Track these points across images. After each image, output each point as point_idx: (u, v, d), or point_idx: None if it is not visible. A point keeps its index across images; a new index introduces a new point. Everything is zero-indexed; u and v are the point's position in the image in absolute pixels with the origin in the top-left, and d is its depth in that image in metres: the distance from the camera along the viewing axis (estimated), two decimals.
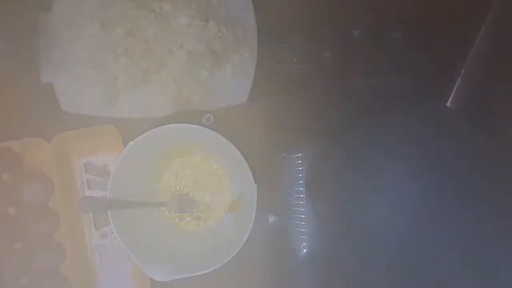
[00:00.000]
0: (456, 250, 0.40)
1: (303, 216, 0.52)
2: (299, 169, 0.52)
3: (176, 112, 0.53)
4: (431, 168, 0.40)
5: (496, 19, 0.45)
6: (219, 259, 0.46)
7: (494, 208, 0.40)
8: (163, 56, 0.52)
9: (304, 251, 0.52)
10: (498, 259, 0.39)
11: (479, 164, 0.40)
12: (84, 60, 0.53)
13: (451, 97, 0.44)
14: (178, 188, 0.54)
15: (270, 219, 0.52)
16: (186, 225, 0.54)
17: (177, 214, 0.54)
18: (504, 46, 0.48)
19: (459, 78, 0.45)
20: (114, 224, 0.47)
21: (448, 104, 0.44)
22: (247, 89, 0.54)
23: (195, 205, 0.54)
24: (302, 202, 0.52)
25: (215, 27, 0.52)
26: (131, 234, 0.48)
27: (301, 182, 0.52)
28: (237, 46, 0.53)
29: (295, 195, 0.52)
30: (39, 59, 0.54)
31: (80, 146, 0.55)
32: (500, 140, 0.47)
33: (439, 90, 0.45)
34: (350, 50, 0.53)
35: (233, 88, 0.54)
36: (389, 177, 0.41)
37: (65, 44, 0.54)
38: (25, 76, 0.55)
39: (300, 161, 0.52)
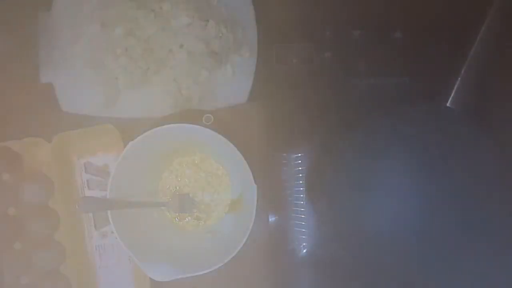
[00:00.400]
0: (456, 249, 0.40)
1: (303, 216, 0.52)
2: (299, 169, 0.52)
3: (176, 112, 0.53)
4: (431, 168, 0.40)
5: (496, 19, 0.45)
6: (219, 259, 0.46)
7: (494, 207, 0.40)
8: (163, 56, 0.52)
9: (304, 251, 0.52)
10: (498, 257, 0.39)
11: (479, 164, 0.40)
12: (84, 60, 0.53)
13: (451, 97, 0.44)
14: (178, 188, 0.54)
15: (270, 219, 0.52)
16: (186, 225, 0.54)
17: (177, 214, 0.54)
18: (504, 46, 0.48)
19: (459, 78, 0.45)
20: (114, 224, 0.47)
21: (448, 104, 0.44)
22: (247, 89, 0.54)
23: (195, 205, 0.54)
24: (302, 202, 0.52)
25: (215, 27, 0.52)
26: (131, 234, 0.48)
27: (301, 182, 0.52)
28: (237, 46, 0.53)
29: (295, 195, 0.52)
30: (39, 59, 0.54)
31: (80, 146, 0.55)
32: (500, 140, 0.47)
33: (439, 90, 0.45)
34: (350, 50, 0.53)
35: (233, 88, 0.54)
36: (389, 177, 0.41)
37: (65, 44, 0.54)
38: (25, 76, 0.55)
39: (300, 161, 0.52)
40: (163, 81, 0.53)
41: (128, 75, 0.52)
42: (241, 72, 0.54)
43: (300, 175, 0.52)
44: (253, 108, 0.54)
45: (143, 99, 0.54)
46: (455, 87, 0.45)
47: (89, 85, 0.54)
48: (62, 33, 0.54)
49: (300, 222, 0.52)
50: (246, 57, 0.54)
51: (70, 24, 0.54)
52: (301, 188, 0.52)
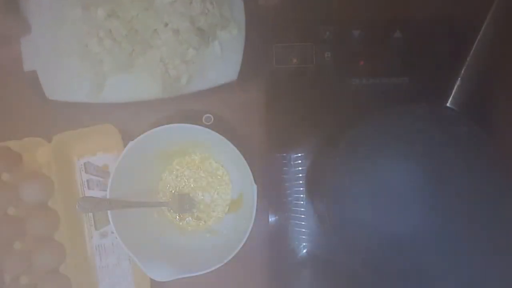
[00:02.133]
0: (456, 250, 0.40)
1: (303, 216, 0.52)
2: (299, 169, 0.52)
3: (166, 95, 0.52)
4: (431, 168, 0.40)
5: (496, 19, 0.45)
6: (219, 259, 0.46)
7: (494, 208, 0.40)
8: (148, 36, 0.51)
9: (304, 251, 0.52)
10: (498, 258, 0.39)
11: (479, 164, 0.40)
12: (68, 46, 0.52)
13: (451, 97, 0.44)
14: (178, 188, 0.54)
15: (270, 219, 0.52)
16: (186, 225, 0.54)
17: (177, 214, 0.54)
18: (504, 46, 0.48)
19: (459, 78, 0.45)
20: (114, 224, 0.47)
21: (448, 104, 0.44)
22: (237, 66, 0.52)
23: (195, 205, 0.54)
24: (302, 202, 0.52)
25: (200, 4, 0.50)
26: (131, 234, 0.48)
27: (301, 182, 0.52)
28: (224, 22, 0.52)
29: (295, 195, 0.52)
30: (21, 46, 0.53)
31: (80, 146, 0.55)
32: (500, 140, 0.47)
33: (439, 90, 0.45)
34: (350, 50, 0.53)
35: (223, 66, 0.52)
36: (389, 177, 0.41)
37: (47, 30, 0.52)
38: (25, 76, 0.54)
39: (300, 161, 0.52)
40: (150, 62, 0.51)
41: (113, 58, 0.51)
42: (229, 49, 0.52)
43: (300, 175, 0.52)
44: (253, 107, 0.54)
45: (130, 83, 0.52)
46: (455, 87, 0.45)
47: (74, 71, 0.52)
48: (44, 19, 0.53)
49: (300, 222, 0.52)
50: (234, 33, 0.52)
51: (52, 9, 0.52)
52: (301, 188, 0.52)
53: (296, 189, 0.52)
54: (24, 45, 0.53)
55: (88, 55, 0.51)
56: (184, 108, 0.55)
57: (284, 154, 0.53)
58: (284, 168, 0.53)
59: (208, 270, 0.46)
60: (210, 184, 0.54)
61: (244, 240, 0.46)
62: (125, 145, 0.48)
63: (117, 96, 0.52)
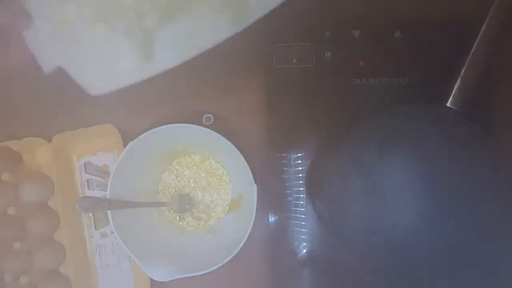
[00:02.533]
0: (457, 250, 0.40)
1: (303, 216, 0.52)
2: (299, 169, 0.52)
3: (233, 32, 0.40)
4: (431, 168, 0.40)
5: (496, 19, 0.45)
6: (219, 259, 0.46)
7: (494, 208, 0.40)
8: None
9: (304, 251, 0.52)
10: (499, 257, 0.39)
11: (479, 164, 0.40)
12: (86, 19, 0.39)
13: (451, 97, 0.44)
14: (178, 188, 0.54)
15: (270, 219, 0.52)
16: (186, 225, 0.54)
17: (177, 214, 0.54)
18: (504, 46, 0.48)
19: (459, 78, 0.45)
20: (114, 224, 0.47)
21: (448, 104, 0.44)
22: None
23: (195, 205, 0.54)
24: (302, 202, 0.52)
25: None
26: (131, 234, 0.48)
27: (301, 182, 0.52)
28: None
29: (295, 195, 0.52)
30: (33, 46, 0.42)
31: (80, 146, 0.55)
32: (500, 140, 0.47)
33: (439, 90, 0.45)
34: (350, 50, 0.53)
35: None
36: (389, 177, 0.41)
37: (55, 12, 0.40)
38: (25, 76, 0.54)
39: (300, 161, 0.52)
40: None
41: (156, 3, 0.38)
42: None
43: (300, 175, 0.52)
44: (253, 107, 0.54)
45: (187, 31, 0.39)
46: (455, 87, 0.45)
47: (110, 48, 0.40)
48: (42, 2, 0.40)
49: (300, 222, 0.52)
50: None
51: None
52: (301, 188, 0.52)
53: (296, 189, 0.52)
54: (32, 44, 0.42)
55: (118, 17, 0.38)
56: (184, 108, 0.55)
57: (284, 154, 0.53)
58: (284, 168, 0.53)
59: (208, 270, 0.46)
60: (210, 184, 0.54)
61: (244, 240, 0.46)
62: (125, 145, 0.48)
63: (180, 55, 0.39)
